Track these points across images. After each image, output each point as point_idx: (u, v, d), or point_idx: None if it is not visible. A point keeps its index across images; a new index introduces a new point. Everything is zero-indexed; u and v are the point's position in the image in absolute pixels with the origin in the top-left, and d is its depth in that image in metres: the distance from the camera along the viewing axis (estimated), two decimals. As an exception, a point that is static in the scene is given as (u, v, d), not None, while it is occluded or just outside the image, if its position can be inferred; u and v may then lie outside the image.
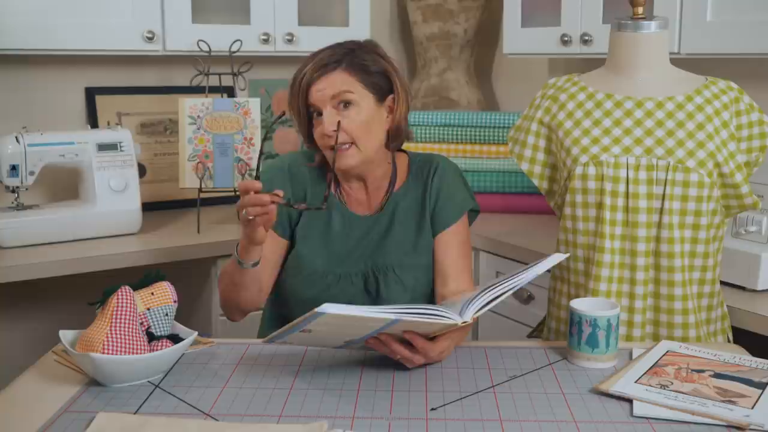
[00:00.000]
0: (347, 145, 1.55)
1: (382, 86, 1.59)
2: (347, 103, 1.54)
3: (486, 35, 3.07)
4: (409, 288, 1.62)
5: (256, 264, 1.51)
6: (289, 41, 2.58)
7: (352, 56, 1.56)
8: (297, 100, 1.58)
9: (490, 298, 1.32)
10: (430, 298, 1.67)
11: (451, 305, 1.35)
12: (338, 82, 1.54)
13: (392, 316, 1.23)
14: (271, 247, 1.62)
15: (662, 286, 1.56)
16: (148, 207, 2.47)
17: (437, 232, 1.65)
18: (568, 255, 1.50)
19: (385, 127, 1.61)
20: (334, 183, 1.66)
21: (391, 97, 1.60)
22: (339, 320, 1.23)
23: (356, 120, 1.54)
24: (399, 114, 1.62)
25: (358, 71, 1.56)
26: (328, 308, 1.18)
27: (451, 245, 1.65)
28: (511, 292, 1.34)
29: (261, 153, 1.52)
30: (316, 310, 1.18)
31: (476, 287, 1.47)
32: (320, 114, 1.55)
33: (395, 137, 1.64)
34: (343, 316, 1.22)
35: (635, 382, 1.29)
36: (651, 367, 1.35)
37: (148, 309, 1.38)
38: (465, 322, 1.28)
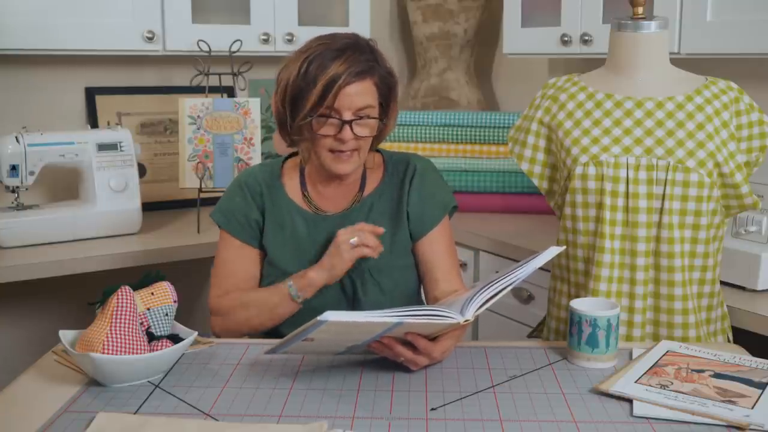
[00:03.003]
0: (350, 152, 1.55)
1: (386, 97, 1.59)
2: (366, 118, 1.53)
3: (486, 35, 3.07)
4: (387, 290, 1.62)
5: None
6: (289, 41, 2.58)
7: (378, 68, 1.54)
8: (318, 94, 1.49)
9: (490, 295, 1.32)
10: (410, 299, 1.67)
11: (450, 305, 1.35)
12: (367, 92, 1.52)
13: (394, 319, 1.23)
14: (252, 262, 1.66)
15: (662, 286, 1.56)
16: (148, 207, 2.47)
17: (422, 233, 1.65)
18: (564, 247, 1.50)
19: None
20: (300, 183, 1.67)
21: (386, 105, 1.60)
22: (341, 327, 1.23)
23: (369, 132, 1.55)
24: (392, 123, 1.63)
25: (380, 84, 1.55)
26: (330, 316, 1.18)
27: (438, 246, 1.65)
28: (510, 287, 1.34)
29: None
30: (318, 318, 1.18)
31: (474, 285, 1.46)
32: (330, 115, 1.52)
33: (380, 141, 1.65)
34: (345, 323, 1.21)
35: (635, 382, 1.29)
36: (651, 367, 1.35)
37: (148, 309, 1.38)
38: (467, 320, 1.28)
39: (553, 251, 1.40)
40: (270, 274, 1.64)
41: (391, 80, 1.59)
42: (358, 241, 1.52)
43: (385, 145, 1.80)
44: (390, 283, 1.62)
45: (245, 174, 1.69)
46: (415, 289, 1.68)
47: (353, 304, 1.61)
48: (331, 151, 1.55)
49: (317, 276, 1.55)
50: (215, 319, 1.64)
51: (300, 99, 1.52)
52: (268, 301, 1.58)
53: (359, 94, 1.51)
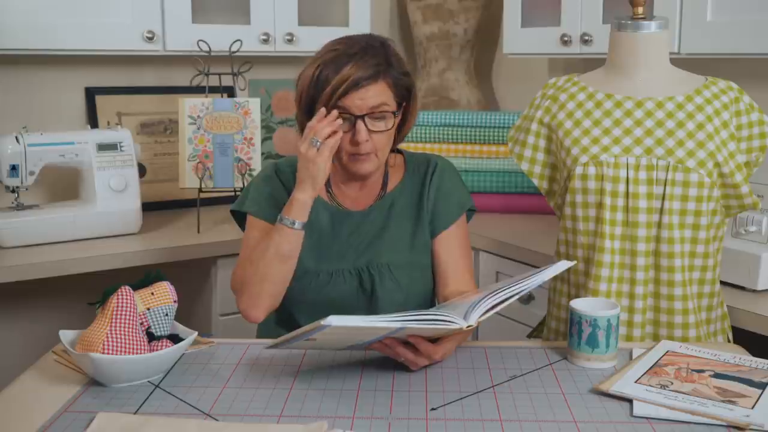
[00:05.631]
0: (366, 155, 1.55)
1: (405, 96, 1.60)
2: (380, 114, 1.54)
3: (486, 35, 3.07)
4: (403, 287, 1.62)
5: (304, 226, 1.53)
6: (289, 41, 2.58)
7: (392, 69, 1.55)
8: (327, 98, 1.51)
9: (495, 302, 1.32)
10: (425, 297, 1.67)
11: (454, 308, 1.35)
12: (380, 93, 1.53)
13: (398, 324, 1.23)
14: None
15: (662, 286, 1.56)
16: (148, 207, 2.47)
17: (437, 232, 1.65)
18: (575, 263, 1.50)
19: (395, 131, 1.61)
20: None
21: (405, 104, 1.61)
22: (344, 330, 1.23)
23: (386, 133, 1.55)
24: (411, 121, 1.64)
25: (394, 85, 1.56)
26: (333, 320, 1.18)
27: (452, 245, 1.65)
28: (515, 297, 1.34)
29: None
30: (321, 322, 1.18)
31: (480, 290, 1.46)
32: (343, 117, 1.52)
33: (401, 140, 1.66)
34: (348, 327, 1.21)
35: (635, 382, 1.29)
36: (651, 367, 1.35)
37: (148, 309, 1.38)
38: (470, 326, 1.28)
39: (562, 265, 1.40)
40: None
41: (407, 80, 1.60)
42: (321, 137, 1.48)
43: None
44: (408, 280, 1.62)
45: (273, 164, 1.70)
46: (431, 290, 1.68)
47: (370, 299, 1.61)
48: (349, 154, 1.56)
49: (301, 194, 1.52)
50: (239, 299, 1.59)
51: (314, 104, 1.54)
52: (270, 245, 1.54)
53: (372, 96, 1.52)
